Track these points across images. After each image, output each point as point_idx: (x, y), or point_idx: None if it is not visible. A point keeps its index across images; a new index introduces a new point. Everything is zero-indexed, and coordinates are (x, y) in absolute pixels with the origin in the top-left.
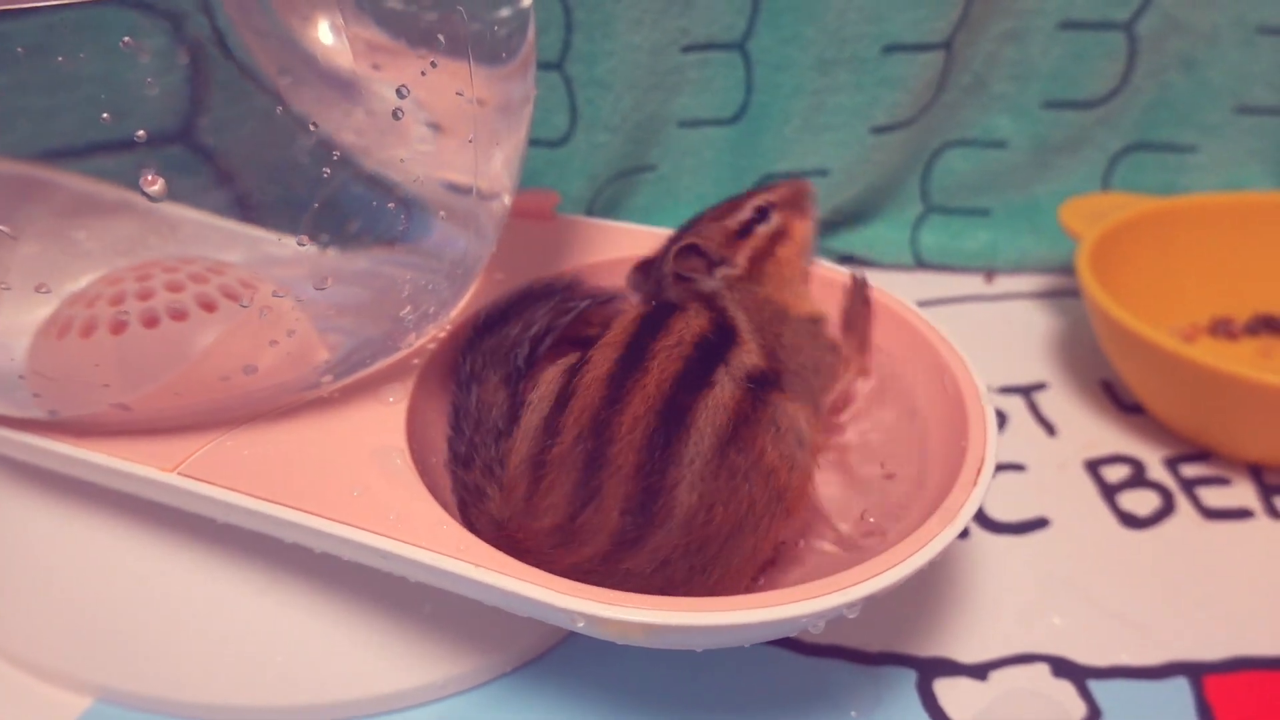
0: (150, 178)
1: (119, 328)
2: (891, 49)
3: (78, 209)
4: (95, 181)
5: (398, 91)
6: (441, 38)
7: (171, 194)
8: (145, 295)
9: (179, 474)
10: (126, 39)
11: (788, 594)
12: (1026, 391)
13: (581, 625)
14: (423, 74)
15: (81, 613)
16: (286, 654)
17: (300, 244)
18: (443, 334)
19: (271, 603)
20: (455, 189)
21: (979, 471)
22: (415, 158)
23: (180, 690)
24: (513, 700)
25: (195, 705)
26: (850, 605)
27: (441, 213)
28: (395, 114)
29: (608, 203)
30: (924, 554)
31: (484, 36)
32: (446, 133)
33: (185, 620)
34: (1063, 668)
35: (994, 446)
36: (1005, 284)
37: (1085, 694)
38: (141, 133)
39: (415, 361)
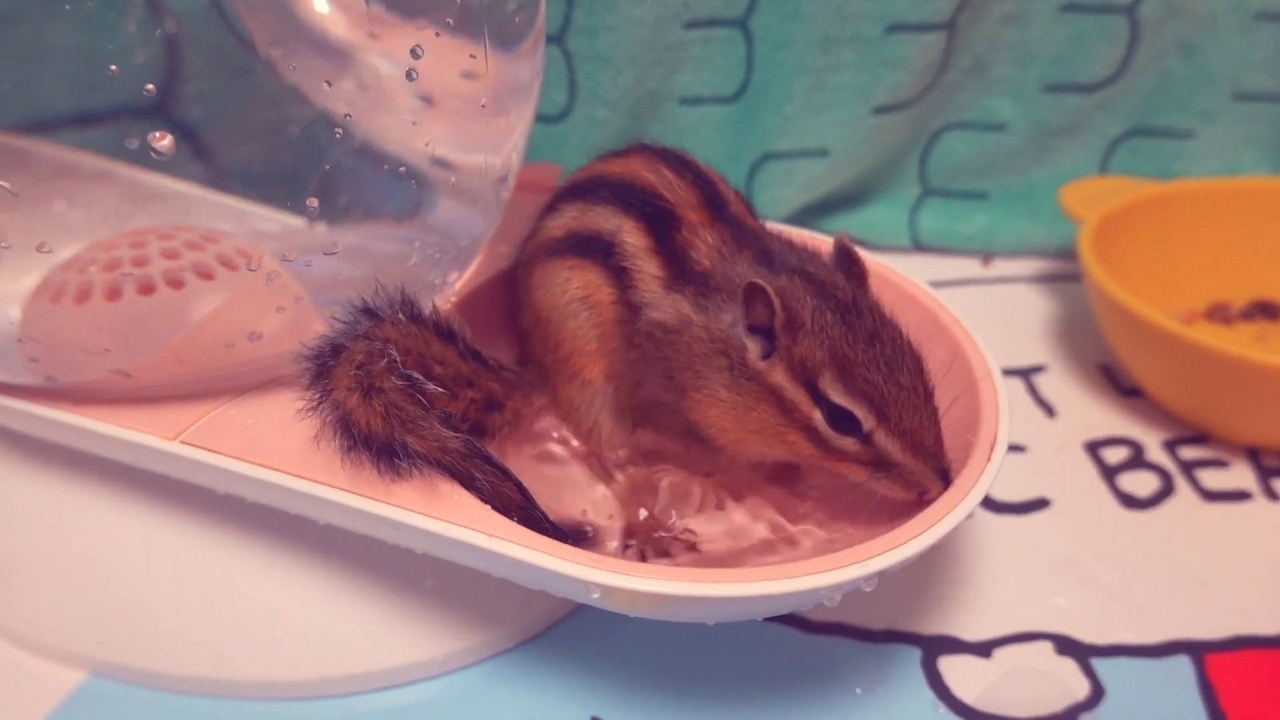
0: (158, 134)
1: (114, 294)
2: (894, 28)
3: (61, 177)
4: (77, 152)
5: (408, 75)
6: (452, 13)
7: (162, 166)
8: (140, 262)
9: (181, 442)
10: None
11: (805, 566)
12: (1025, 374)
13: (597, 596)
14: (424, 51)
15: (78, 587)
16: (287, 629)
17: (310, 217)
18: (447, 305)
19: (272, 578)
20: (462, 165)
21: (992, 448)
22: (422, 133)
23: (179, 664)
24: (516, 676)
25: (194, 679)
26: (868, 578)
27: (449, 185)
28: (405, 84)
29: None
30: (941, 527)
31: (495, 12)
32: (455, 109)
33: (184, 595)
34: (1066, 646)
35: (1006, 425)
36: (1002, 267)
37: (1089, 671)
38: (150, 86)
39: None
